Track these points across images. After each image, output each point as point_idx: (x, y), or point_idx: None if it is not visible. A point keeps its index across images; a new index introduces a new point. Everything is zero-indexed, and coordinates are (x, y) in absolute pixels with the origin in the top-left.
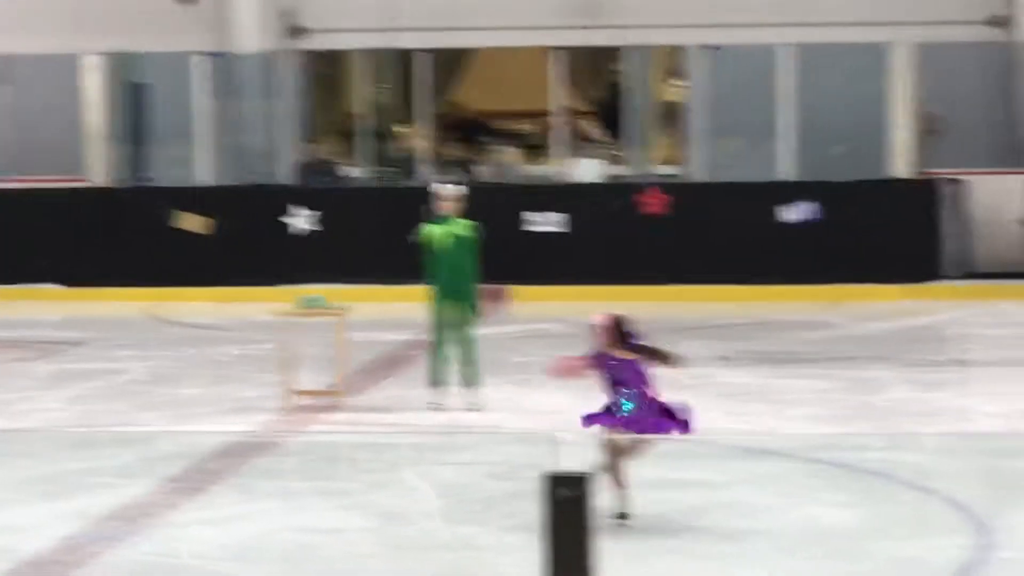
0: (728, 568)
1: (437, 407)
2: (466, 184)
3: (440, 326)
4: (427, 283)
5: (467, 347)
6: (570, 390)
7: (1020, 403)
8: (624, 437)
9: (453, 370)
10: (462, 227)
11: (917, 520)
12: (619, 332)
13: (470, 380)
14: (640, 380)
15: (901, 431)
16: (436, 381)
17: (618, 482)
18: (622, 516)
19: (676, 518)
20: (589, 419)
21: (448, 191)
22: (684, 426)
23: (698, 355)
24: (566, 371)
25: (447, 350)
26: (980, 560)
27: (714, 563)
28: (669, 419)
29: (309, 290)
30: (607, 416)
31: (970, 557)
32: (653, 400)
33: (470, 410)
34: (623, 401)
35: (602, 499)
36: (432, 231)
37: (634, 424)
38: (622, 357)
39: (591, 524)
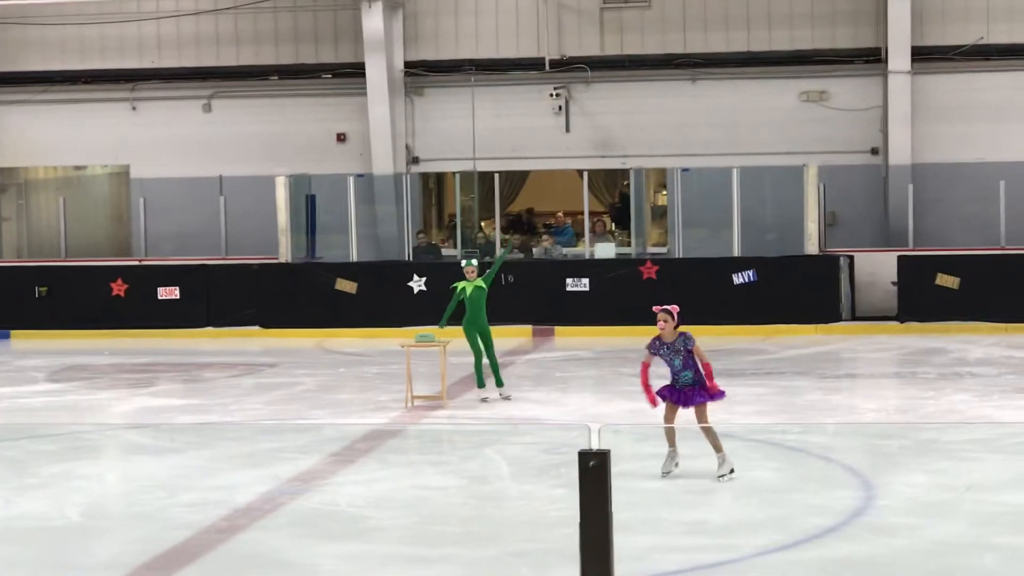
0: (696, 510)
1: (483, 400)
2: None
3: (474, 344)
4: (463, 318)
5: (490, 355)
6: (595, 395)
7: (891, 402)
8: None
9: (488, 375)
10: (478, 284)
11: (822, 480)
12: (675, 319)
13: (498, 380)
14: (689, 356)
15: (812, 421)
16: (480, 383)
17: (670, 441)
18: (671, 469)
19: (660, 478)
20: (660, 393)
21: (469, 266)
22: (721, 395)
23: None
24: (647, 390)
25: (481, 360)
26: (865, 507)
27: (687, 507)
28: (710, 391)
29: (423, 330)
30: (670, 389)
31: (858, 504)
32: (698, 373)
33: (484, 401)
34: (682, 376)
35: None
36: (464, 286)
37: (688, 395)
38: (674, 339)
39: (610, 483)
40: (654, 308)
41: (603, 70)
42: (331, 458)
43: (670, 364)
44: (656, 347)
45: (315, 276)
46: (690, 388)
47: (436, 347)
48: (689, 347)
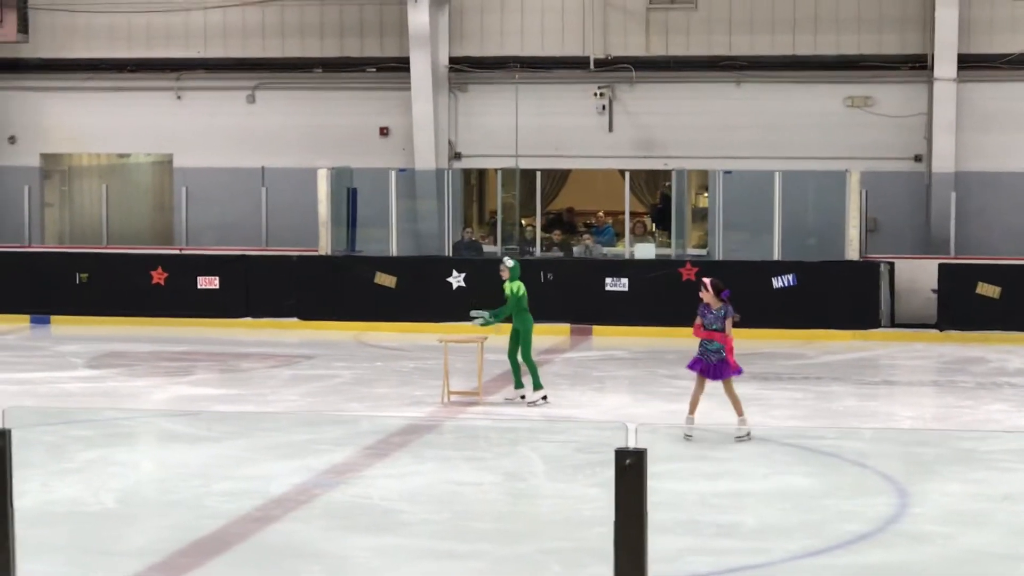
0: (729, 513)
1: (511, 401)
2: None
3: (513, 342)
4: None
5: (526, 354)
6: (631, 395)
7: (928, 410)
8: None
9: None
10: (517, 286)
11: (857, 486)
12: (717, 288)
13: (533, 381)
14: (724, 327)
15: (848, 426)
16: (517, 383)
17: (691, 409)
18: (687, 437)
19: (695, 479)
20: (691, 364)
21: (507, 264)
22: (739, 371)
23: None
24: (697, 332)
25: (517, 358)
26: (899, 514)
27: (721, 509)
28: (734, 365)
29: (461, 327)
30: (700, 361)
31: (893, 512)
32: (730, 347)
33: (530, 405)
34: (712, 348)
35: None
36: (507, 287)
37: (717, 368)
38: (716, 307)
39: (646, 482)
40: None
41: (647, 70)
42: (366, 451)
43: (707, 327)
44: (702, 309)
45: (355, 269)
46: (720, 362)
47: (473, 343)
48: (727, 315)
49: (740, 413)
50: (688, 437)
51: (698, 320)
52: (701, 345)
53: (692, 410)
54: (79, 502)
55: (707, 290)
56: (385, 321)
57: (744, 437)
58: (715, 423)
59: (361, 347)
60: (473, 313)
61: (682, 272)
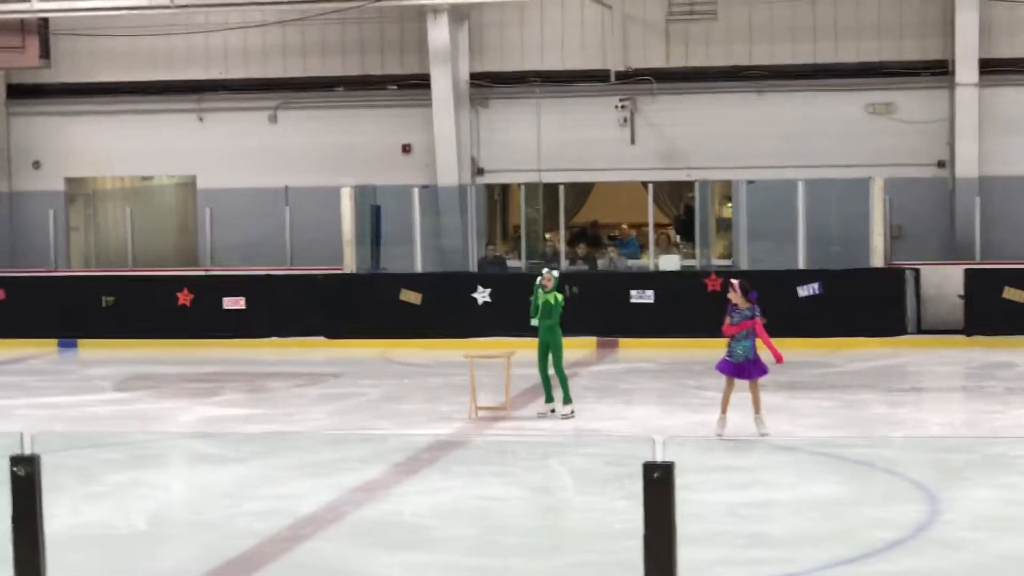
0: (758, 523)
1: (543, 415)
2: (559, 270)
3: (543, 356)
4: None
5: (558, 366)
6: (658, 407)
7: (957, 416)
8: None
9: (555, 386)
10: (555, 296)
11: (887, 493)
12: (745, 289)
13: (564, 394)
14: (752, 326)
15: (877, 434)
16: (548, 397)
17: (723, 408)
18: (718, 435)
19: (724, 490)
20: (719, 366)
21: (547, 275)
22: (765, 371)
23: (742, 384)
24: (727, 330)
25: (547, 370)
26: (930, 521)
27: (750, 520)
28: (761, 365)
29: (487, 342)
30: (727, 363)
31: (923, 519)
32: (752, 350)
33: (565, 418)
34: (739, 349)
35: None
36: (539, 297)
37: (745, 367)
38: (744, 308)
39: (674, 495)
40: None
41: (669, 82)
42: (395, 468)
43: (737, 327)
44: (730, 310)
45: (380, 287)
46: (747, 362)
47: (500, 358)
48: (755, 316)
49: (758, 411)
50: (719, 435)
51: (727, 320)
52: (729, 346)
53: (724, 409)
54: (109, 525)
55: (735, 291)
56: (411, 338)
57: (766, 434)
58: (744, 434)
59: (387, 364)
60: (546, 272)
61: (707, 283)
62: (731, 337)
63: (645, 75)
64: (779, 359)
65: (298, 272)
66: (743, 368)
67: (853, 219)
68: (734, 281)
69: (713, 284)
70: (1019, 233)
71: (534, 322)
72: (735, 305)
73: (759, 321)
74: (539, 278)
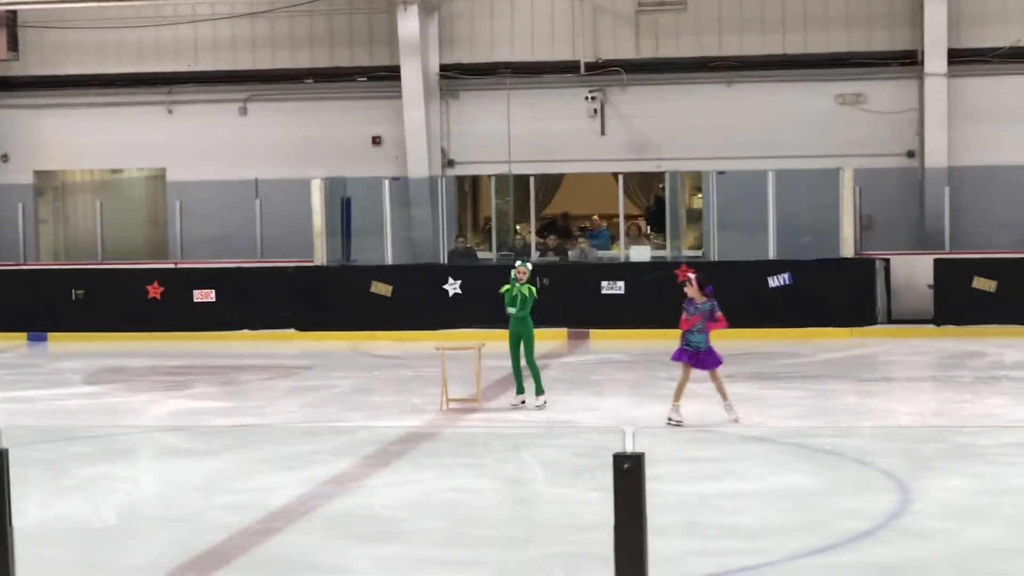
0: (730, 514)
1: (515, 406)
2: (532, 263)
3: (515, 347)
4: (508, 318)
5: (529, 358)
6: (629, 398)
7: (927, 405)
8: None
9: (527, 377)
10: (528, 288)
11: (858, 483)
12: (701, 284)
13: (536, 386)
14: (709, 320)
15: (848, 424)
16: (519, 388)
17: (677, 397)
18: (676, 423)
19: (695, 481)
20: (676, 356)
21: (521, 268)
22: (720, 361)
23: (701, 376)
24: (684, 324)
25: (519, 362)
26: (901, 510)
27: (722, 511)
28: (715, 355)
29: (458, 334)
30: (684, 352)
31: (894, 508)
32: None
33: (538, 409)
34: (694, 340)
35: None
36: (513, 289)
37: (702, 357)
38: (700, 302)
39: (644, 486)
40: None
41: (638, 73)
42: (366, 461)
43: (692, 321)
44: (687, 304)
45: (350, 279)
46: (701, 352)
47: (471, 350)
48: (714, 312)
49: (725, 398)
50: (671, 423)
51: (684, 315)
52: (684, 338)
53: (677, 398)
54: (80, 519)
55: (692, 285)
56: (382, 330)
57: (736, 419)
58: (714, 424)
59: (358, 356)
60: (518, 264)
61: (678, 274)
62: (686, 330)
63: (615, 66)
64: (718, 361)
65: (268, 265)
66: (699, 358)
67: (823, 209)
68: (691, 275)
69: (682, 275)
70: (988, 223)
71: (511, 310)
72: (691, 299)
73: (722, 324)
74: (513, 270)
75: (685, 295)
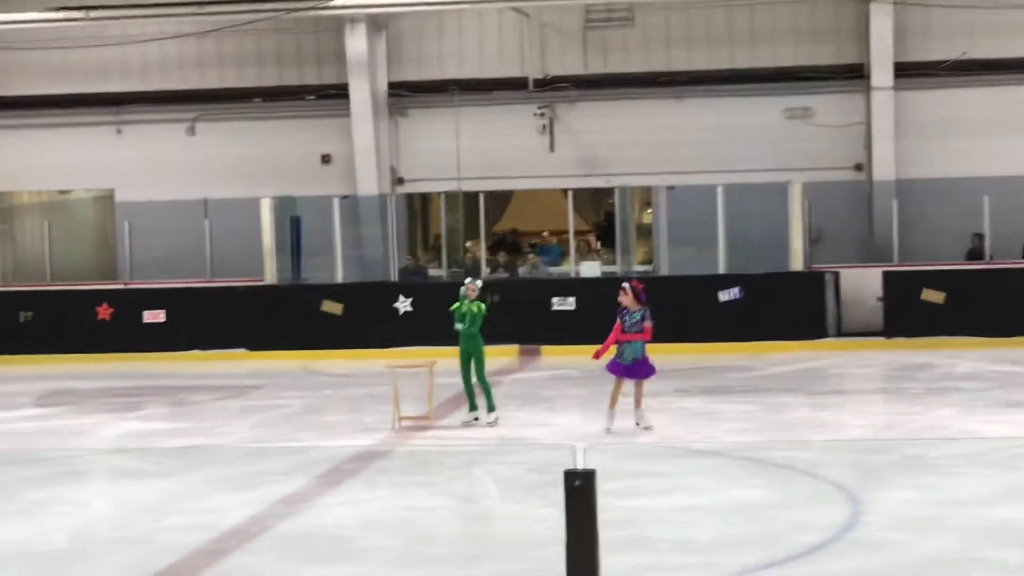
0: (682, 528)
1: (468, 424)
2: (481, 279)
3: (465, 364)
4: (458, 336)
5: (480, 375)
6: (582, 414)
7: (878, 418)
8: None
9: (479, 394)
10: (478, 305)
11: (809, 496)
12: (638, 293)
13: (488, 402)
14: (643, 329)
15: (799, 438)
16: (472, 405)
17: (612, 404)
18: (611, 427)
19: (648, 496)
20: (610, 367)
21: (471, 285)
22: (653, 371)
23: (664, 389)
24: (603, 350)
25: (470, 379)
26: (852, 523)
27: (674, 525)
28: (648, 365)
29: (409, 352)
30: (617, 364)
31: (846, 520)
32: (642, 350)
33: (490, 425)
34: (629, 350)
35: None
36: (463, 306)
37: (635, 368)
38: (635, 310)
39: (596, 502)
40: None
41: (587, 89)
42: (318, 480)
43: (628, 331)
44: (621, 312)
45: (301, 298)
46: (636, 363)
47: (422, 368)
48: (645, 320)
49: (639, 406)
50: (609, 431)
51: (618, 323)
52: (619, 348)
53: (612, 405)
54: (28, 542)
55: (627, 293)
56: (333, 349)
57: (645, 427)
58: (666, 439)
59: (310, 375)
60: (468, 281)
61: (643, 296)
62: (618, 340)
63: (563, 82)
64: (651, 371)
65: (218, 284)
66: (633, 369)
67: (772, 223)
68: (626, 285)
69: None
70: (936, 235)
71: (459, 326)
72: (626, 308)
73: (646, 334)
74: (463, 287)
75: (619, 304)
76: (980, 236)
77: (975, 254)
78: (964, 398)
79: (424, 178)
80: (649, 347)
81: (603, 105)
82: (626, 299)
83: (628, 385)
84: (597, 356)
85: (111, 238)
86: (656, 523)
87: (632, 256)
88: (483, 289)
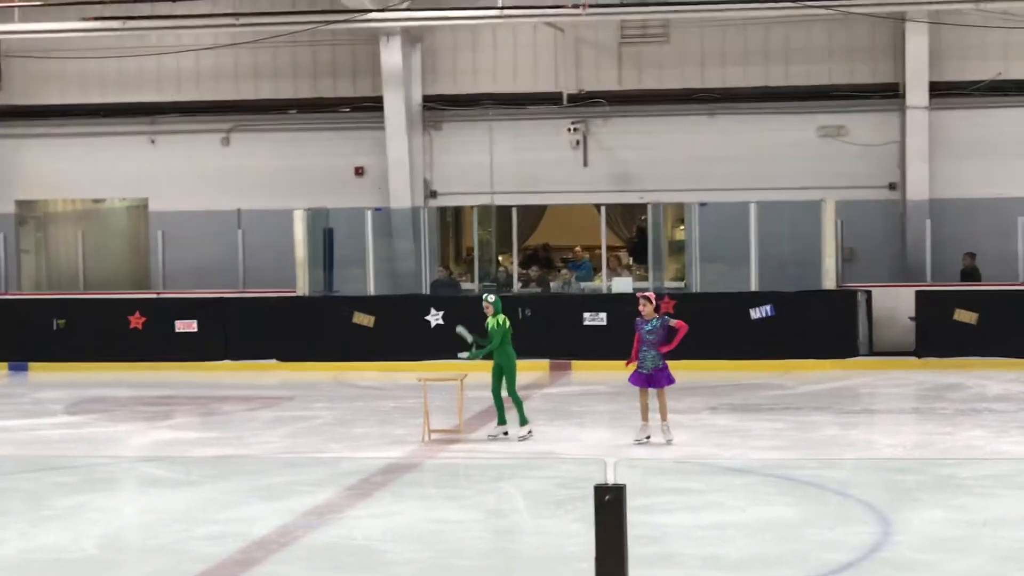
0: (711, 545)
1: (495, 437)
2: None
3: (496, 378)
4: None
5: (511, 388)
6: (611, 429)
7: (909, 437)
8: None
9: (509, 408)
10: (498, 319)
11: (839, 515)
12: (656, 303)
13: (519, 416)
14: (662, 339)
15: (829, 456)
16: (501, 419)
17: (644, 416)
18: (646, 438)
19: (677, 512)
20: (632, 379)
21: (489, 300)
22: (671, 380)
23: (695, 406)
24: (635, 355)
25: (500, 393)
26: (882, 543)
27: (703, 542)
28: (668, 374)
29: (441, 365)
30: (638, 375)
31: (875, 540)
32: (662, 359)
33: (522, 439)
34: (649, 360)
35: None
36: (489, 322)
37: (655, 377)
38: (653, 319)
39: (625, 517)
40: (637, 294)
41: (621, 104)
42: (347, 491)
43: (645, 340)
44: (639, 324)
45: (333, 309)
46: (656, 371)
47: (453, 381)
48: (667, 324)
49: (664, 419)
50: (639, 442)
51: (637, 333)
52: (638, 358)
53: (644, 417)
54: (60, 549)
55: (649, 303)
56: (364, 361)
57: (671, 441)
58: (696, 456)
59: (340, 387)
60: (459, 330)
61: (660, 305)
62: (639, 350)
63: (597, 98)
64: (671, 380)
65: (251, 295)
66: (652, 378)
67: (805, 241)
68: (648, 294)
69: (666, 306)
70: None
71: (463, 356)
72: (644, 319)
73: (681, 328)
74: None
75: (639, 314)
76: (972, 255)
77: (968, 274)
78: (996, 419)
79: (457, 191)
80: (680, 363)
81: (637, 121)
82: (646, 309)
83: (655, 401)
84: (629, 364)
85: (144, 247)
86: (685, 540)
87: (664, 272)
88: (519, 304)
